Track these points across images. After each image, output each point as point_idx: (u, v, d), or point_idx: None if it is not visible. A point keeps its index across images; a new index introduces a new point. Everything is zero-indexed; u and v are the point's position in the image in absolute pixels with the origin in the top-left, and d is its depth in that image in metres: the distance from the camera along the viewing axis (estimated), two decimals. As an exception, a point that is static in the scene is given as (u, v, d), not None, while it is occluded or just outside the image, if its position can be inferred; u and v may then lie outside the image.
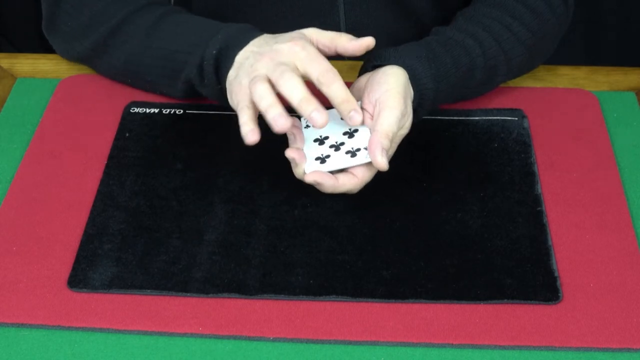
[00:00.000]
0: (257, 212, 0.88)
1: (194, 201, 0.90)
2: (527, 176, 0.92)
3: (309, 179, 0.83)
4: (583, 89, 1.04)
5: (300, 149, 0.85)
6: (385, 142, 0.83)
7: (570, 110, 1.01)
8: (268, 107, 0.81)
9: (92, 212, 0.88)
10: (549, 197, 0.90)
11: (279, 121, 0.80)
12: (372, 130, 0.84)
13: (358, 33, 1.10)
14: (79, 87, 1.04)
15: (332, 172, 0.84)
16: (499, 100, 1.02)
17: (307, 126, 0.88)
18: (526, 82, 1.05)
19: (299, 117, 0.88)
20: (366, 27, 1.09)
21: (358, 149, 0.85)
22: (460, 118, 0.99)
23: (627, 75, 1.07)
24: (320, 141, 0.86)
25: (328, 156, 0.85)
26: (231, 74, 0.88)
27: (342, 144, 0.86)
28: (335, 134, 0.87)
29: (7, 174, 0.93)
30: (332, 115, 0.88)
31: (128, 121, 0.99)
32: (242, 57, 0.88)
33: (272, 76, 0.82)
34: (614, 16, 1.85)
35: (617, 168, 0.94)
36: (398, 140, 0.87)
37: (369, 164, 0.84)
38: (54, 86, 1.04)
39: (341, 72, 1.06)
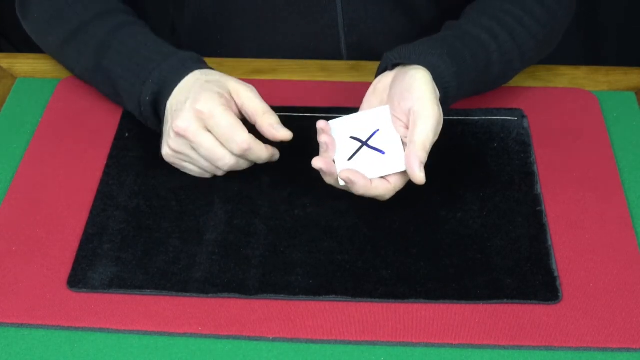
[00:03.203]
0: (257, 212, 0.88)
1: (193, 201, 0.90)
2: (527, 176, 0.92)
3: (342, 176, 0.83)
4: (583, 89, 1.04)
5: (328, 160, 0.84)
6: (423, 155, 0.82)
7: (570, 110, 1.01)
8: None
9: (92, 212, 0.88)
10: (548, 197, 0.90)
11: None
12: (408, 142, 0.83)
13: (356, 29, 1.10)
14: (79, 87, 1.04)
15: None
16: (499, 100, 1.02)
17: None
18: (526, 82, 1.05)
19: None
20: (364, 23, 1.09)
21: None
22: (460, 118, 0.99)
23: (627, 75, 1.07)
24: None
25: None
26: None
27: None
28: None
29: (7, 174, 0.93)
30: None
31: (128, 121, 0.99)
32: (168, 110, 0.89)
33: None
34: (614, 16, 1.85)
35: (616, 168, 0.94)
36: (430, 147, 0.86)
37: (403, 172, 0.84)
38: (54, 86, 1.04)
39: (341, 72, 1.07)
